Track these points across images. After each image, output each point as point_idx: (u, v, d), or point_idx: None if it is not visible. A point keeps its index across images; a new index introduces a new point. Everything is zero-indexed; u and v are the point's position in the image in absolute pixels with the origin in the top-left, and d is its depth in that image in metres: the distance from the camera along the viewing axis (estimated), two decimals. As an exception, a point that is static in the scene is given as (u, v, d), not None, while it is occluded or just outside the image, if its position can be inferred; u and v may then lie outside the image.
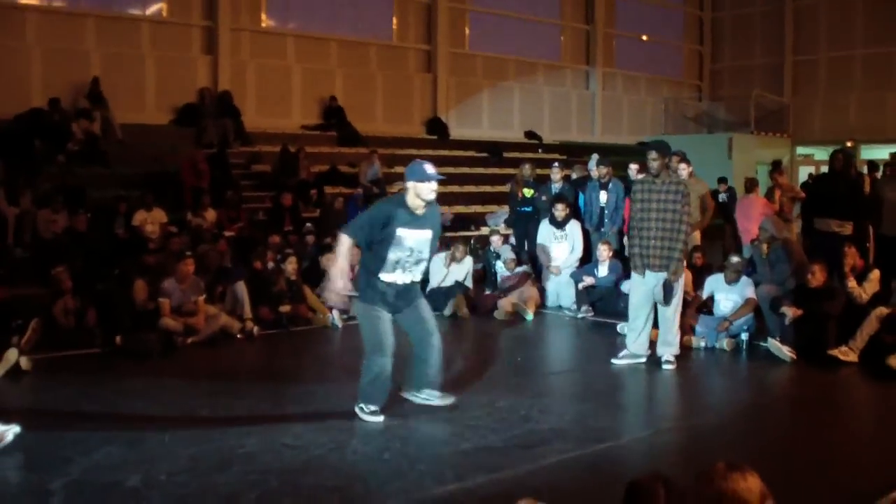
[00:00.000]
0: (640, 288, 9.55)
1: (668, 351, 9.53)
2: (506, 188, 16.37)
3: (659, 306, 9.51)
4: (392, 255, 7.12)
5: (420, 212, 7.18)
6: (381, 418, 7.23)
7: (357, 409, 7.29)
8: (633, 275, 9.63)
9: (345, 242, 7.26)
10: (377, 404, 7.30)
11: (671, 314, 9.49)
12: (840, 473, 6.33)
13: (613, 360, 9.68)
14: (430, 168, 7.18)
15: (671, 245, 9.25)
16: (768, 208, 14.00)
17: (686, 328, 10.47)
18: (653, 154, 9.49)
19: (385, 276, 7.18)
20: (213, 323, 10.89)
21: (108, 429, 7.06)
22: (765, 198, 14.87)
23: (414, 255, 7.20)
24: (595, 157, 14.88)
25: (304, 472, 6.05)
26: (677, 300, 9.50)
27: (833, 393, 9.01)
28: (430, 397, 7.51)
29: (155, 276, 11.31)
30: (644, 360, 9.61)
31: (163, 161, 17.58)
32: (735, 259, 10.93)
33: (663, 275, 9.30)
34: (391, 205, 7.26)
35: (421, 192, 7.14)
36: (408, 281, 7.29)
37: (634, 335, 9.64)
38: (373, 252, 7.21)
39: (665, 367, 9.39)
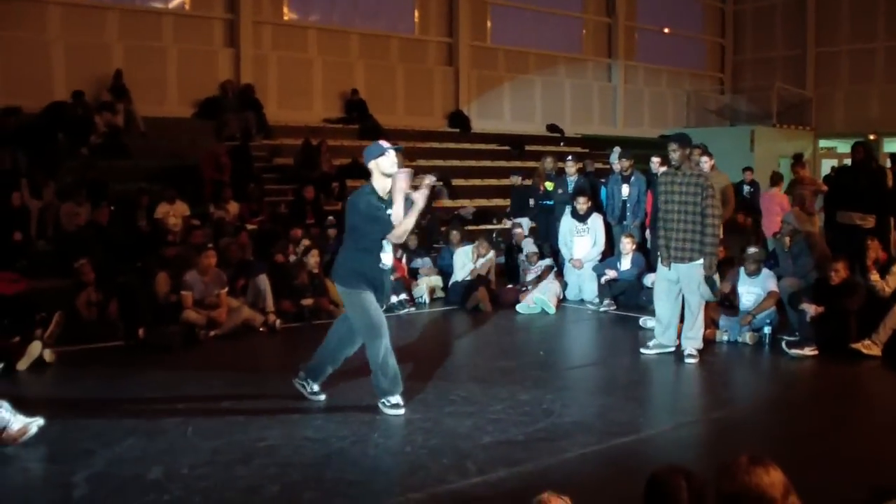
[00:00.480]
0: (664, 280, 9.60)
1: (691, 344, 9.51)
2: (528, 182, 16.34)
3: (686, 298, 9.49)
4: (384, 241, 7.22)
5: (386, 196, 7.18)
6: (402, 411, 7.24)
7: (380, 405, 7.30)
8: (659, 267, 9.67)
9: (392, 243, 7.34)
10: (396, 394, 7.31)
11: (696, 308, 9.48)
12: (863, 467, 6.28)
13: (643, 350, 9.78)
14: (384, 142, 7.31)
15: (693, 237, 9.24)
16: (787, 205, 13.97)
17: (708, 322, 10.44)
18: (673, 146, 9.49)
19: (384, 258, 7.25)
20: (236, 316, 10.92)
21: (131, 421, 7.09)
22: (786, 193, 14.80)
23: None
24: (617, 150, 14.83)
25: (326, 465, 6.06)
26: (703, 294, 9.49)
27: (856, 387, 8.96)
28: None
29: (177, 269, 11.33)
30: (672, 350, 9.65)
31: (184, 154, 17.64)
32: (752, 249, 10.87)
33: (686, 266, 9.30)
34: (366, 196, 7.21)
35: (383, 166, 7.16)
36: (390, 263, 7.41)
37: (662, 327, 9.71)
38: (364, 240, 7.22)
39: (688, 360, 9.38)
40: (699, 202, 9.22)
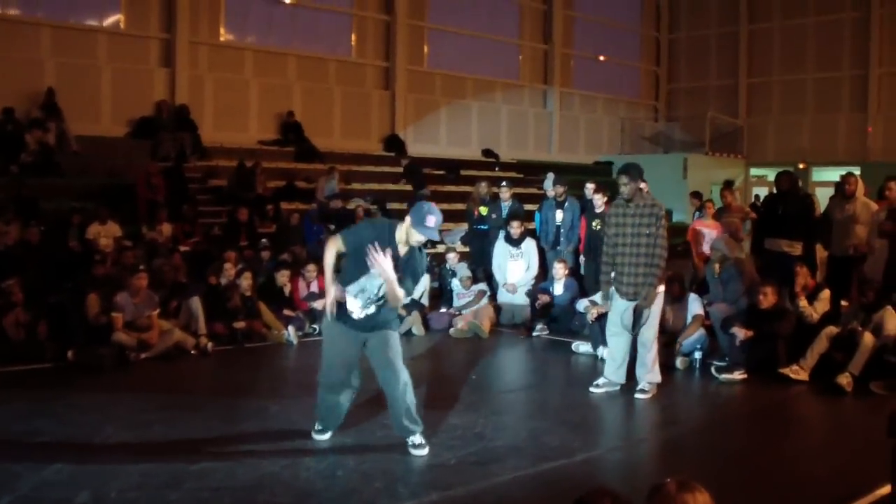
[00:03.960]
0: (616, 316, 9.20)
1: (647, 378, 9.18)
2: (463, 206, 16.43)
3: (641, 332, 9.17)
4: (359, 279, 6.66)
5: (402, 248, 6.80)
6: (325, 436, 7.17)
7: (313, 433, 7.25)
8: (613, 302, 9.20)
9: (331, 243, 6.89)
10: (323, 424, 7.22)
11: (648, 341, 9.14)
12: (792, 488, 6.39)
13: (592, 389, 9.30)
14: (432, 221, 6.73)
15: (646, 271, 8.88)
16: (716, 230, 14.23)
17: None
18: (624, 178, 8.99)
19: (349, 300, 6.70)
20: (167, 338, 10.80)
21: (59, 444, 6.98)
22: (712, 219, 14.98)
23: (369, 290, 6.66)
24: (551, 175, 14.98)
25: (258, 489, 6.01)
26: (654, 326, 9.19)
27: (784, 410, 9.09)
28: (413, 447, 6.94)
29: (108, 290, 11.19)
30: (619, 387, 9.30)
31: (118, 174, 17.51)
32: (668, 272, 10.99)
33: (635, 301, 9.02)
34: (382, 225, 7.00)
35: (412, 236, 6.77)
36: (362, 315, 6.75)
37: (616, 364, 9.28)
38: (344, 268, 6.86)
39: (638, 395, 9.08)
40: (653, 232, 8.85)
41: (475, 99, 27.96)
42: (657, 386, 9.24)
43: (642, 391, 9.12)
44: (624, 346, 9.23)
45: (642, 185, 10.75)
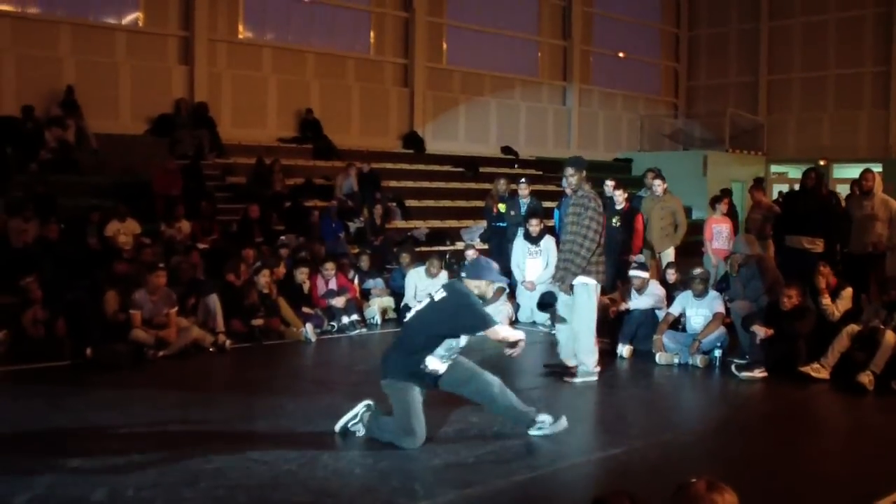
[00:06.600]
0: (564, 305, 9.66)
1: (580, 365, 9.52)
2: (481, 203, 16.37)
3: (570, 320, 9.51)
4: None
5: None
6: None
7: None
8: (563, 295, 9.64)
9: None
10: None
11: (580, 331, 9.45)
12: (812, 488, 6.34)
13: (572, 381, 9.52)
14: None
15: (566, 257, 9.34)
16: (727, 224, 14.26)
17: (659, 345, 10.53)
18: (569, 171, 9.42)
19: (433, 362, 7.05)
20: (185, 336, 10.81)
21: (76, 441, 6.99)
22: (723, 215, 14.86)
23: (455, 346, 7.15)
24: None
25: (274, 487, 5.99)
26: (587, 317, 9.47)
27: (804, 410, 9.02)
28: (543, 428, 7.27)
29: (126, 288, 11.21)
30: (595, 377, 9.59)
31: (137, 171, 17.51)
32: (697, 270, 11.02)
33: (577, 286, 9.37)
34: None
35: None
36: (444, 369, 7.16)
37: (589, 354, 9.56)
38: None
39: (567, 379, 9.46)
40: (577, 221, 9.24)
41: (494, 96, 27.88)
42: (596, 375, 9.54)
43: (572, 375, 9.49)
44: (566, 332, 9.66)
45: (658, 182, 10.73)
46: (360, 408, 7.16)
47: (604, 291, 12.19)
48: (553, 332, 12.51)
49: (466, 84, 27.27)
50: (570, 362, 9.69)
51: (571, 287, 9.37)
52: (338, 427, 7.17)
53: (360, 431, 7.09)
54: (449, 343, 6.97)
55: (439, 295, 7.14)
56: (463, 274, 7.33)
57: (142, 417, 7.85)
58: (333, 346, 11.98)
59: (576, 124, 30.11)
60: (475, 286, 7.18)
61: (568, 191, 9.71)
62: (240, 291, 12.03)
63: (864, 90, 30.08)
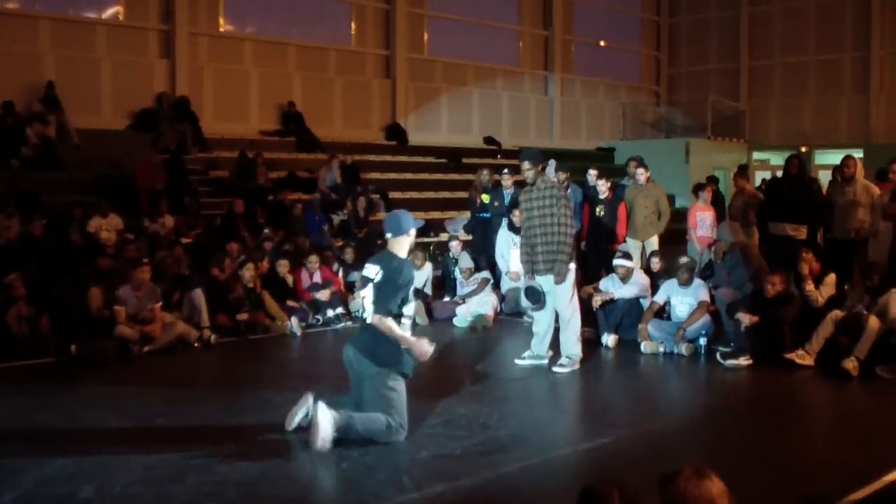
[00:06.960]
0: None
1: (565, 352, 9.69)
2: (465, 194, 16.36)
3: (557, 308, 9.67)
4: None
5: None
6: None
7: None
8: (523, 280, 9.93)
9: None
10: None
11: (565, 317, 9.63)
12: (798, 475, 6.37)
13: (517, 361, 9.93)
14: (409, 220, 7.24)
15: (557, 248, 9.46)
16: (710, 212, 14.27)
17: (644, 334, 10.55)
18: (526, 164, 9.65)
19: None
20: (170, 331, 10.78)
21: (62, 439, 6.98)
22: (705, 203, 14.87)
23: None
24: (553, 162, 14.90)
25: (261, 482, 5.99)
26: (571, 302, 9.64)
27: (790, 396, 9.06)
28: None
29: (111, 284, 11.17)
30: (546, 361, 9.80)
31: (119, 166, 17.46)
32: (683, 259, 11.07)
33: (551, 278, 9.54)
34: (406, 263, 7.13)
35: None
36: None
37: (538, 338, 9.87)
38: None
39: (556, 369, 9.56)
40: (555, 212, 9.44)
41: (476, 86, 27.87)
42: (579, 361, 9.68)
43: (561, 365, 9.60)
44: (547, 320, 9.80)
45: (641, 171, 10.78)
46: (308, 401, 7.03)
47: (590, 280, 12.27)
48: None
49: (448, 74, 27.24)
50: (545, 356, 9.87)
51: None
52: (292, 426, 7.08)
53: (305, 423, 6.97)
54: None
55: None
56: (388, 235, 7.16)
57: (128, 413, 7.84)
58: (319, 340, 11.96)
59: (558, 113, 30.12)
60: (406, 241, 7.12)
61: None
62: (224, 286, 12.00)
63: (844, 76, 30.20)
